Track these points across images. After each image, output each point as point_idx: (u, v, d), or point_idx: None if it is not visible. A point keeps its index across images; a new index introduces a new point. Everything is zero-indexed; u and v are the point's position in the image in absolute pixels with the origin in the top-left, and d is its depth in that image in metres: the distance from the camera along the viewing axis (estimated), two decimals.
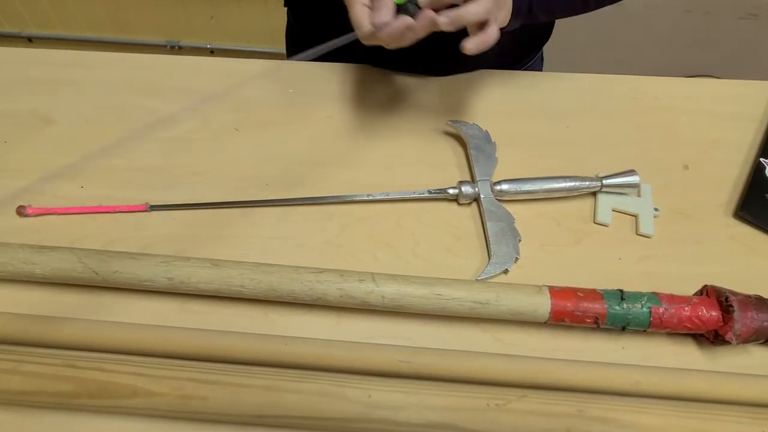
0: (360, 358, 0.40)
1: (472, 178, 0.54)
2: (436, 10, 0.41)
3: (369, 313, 0.45)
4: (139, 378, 0.38)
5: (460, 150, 0.57)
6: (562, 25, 0.68)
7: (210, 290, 0.42)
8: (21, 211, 0.49)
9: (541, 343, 0.44)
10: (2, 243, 0.44)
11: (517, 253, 0.48)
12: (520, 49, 0.69)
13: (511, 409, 0.38)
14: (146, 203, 0.50)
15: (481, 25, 0.43)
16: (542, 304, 0.41)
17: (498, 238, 0.49)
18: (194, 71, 0.64)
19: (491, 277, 0.47)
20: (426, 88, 0.63)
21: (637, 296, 0.42)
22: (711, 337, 0.43)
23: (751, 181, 0.54)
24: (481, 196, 0.51)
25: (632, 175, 0.52)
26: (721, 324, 0.41)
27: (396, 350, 0.40)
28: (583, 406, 0.38)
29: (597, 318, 0.41)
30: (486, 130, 0.57)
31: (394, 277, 0.42)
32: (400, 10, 0.42)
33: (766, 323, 0.40)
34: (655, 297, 0.42)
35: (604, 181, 0.52)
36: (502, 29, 0.49)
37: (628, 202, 0.53)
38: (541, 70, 0.75)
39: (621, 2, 0.57)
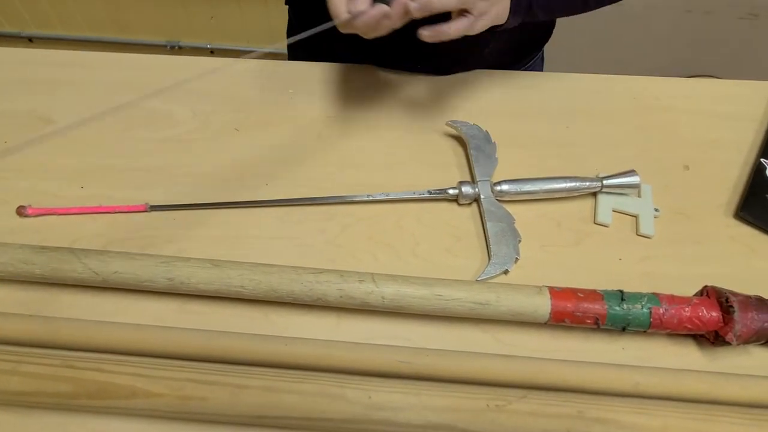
0: (360, 359, 0.40)
1: (472, 178, 0.54)
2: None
3: (369, 313, 0.45)
4: (138, 378, 0.38)
5: (460, 150, 0.57)
6: (562, 25, 0.68)
7: (210, 291, 0.42)
8: (21, 211, 0.49)
9: (541, 343, 0.44)
10: (2, 243, 0.44)
11: (517, 254, 0.48)
12: (520, 48, 0.69)
13: (512, 409, 0.38)
14: (146, 203, 0.50)
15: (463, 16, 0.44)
16: (542, 305, 0.41)
17: (498, 238, 0.49)
18: (194, 71, 0.64)
19: (491, 278, 0.47)
20: (426, 88, 0.63)
21: (637, 297, 0.42)
22: (711, 338, 0.43)
23: (752, 181, 0.54)
24: (481, 196, 0.51)
25: (632, 175, 0.52)
26: (722, 325, 0.41)
27: (396, 351, 0.40)
28: (583, 406, 0.38)
29: (597, 319, 0.41)
30: (486, 131, 0.57)
31: (394, 278, 0.42)
32: None
33: (766, 324, 0.40)
34: (655, 298, 0.42)
35: (605, 182, 0.52)
36: (500, 26, 0.49)
37: (628, 203, 0.53)
38: (541, 70, 0.75)
39: (621, 2, 0.57)
